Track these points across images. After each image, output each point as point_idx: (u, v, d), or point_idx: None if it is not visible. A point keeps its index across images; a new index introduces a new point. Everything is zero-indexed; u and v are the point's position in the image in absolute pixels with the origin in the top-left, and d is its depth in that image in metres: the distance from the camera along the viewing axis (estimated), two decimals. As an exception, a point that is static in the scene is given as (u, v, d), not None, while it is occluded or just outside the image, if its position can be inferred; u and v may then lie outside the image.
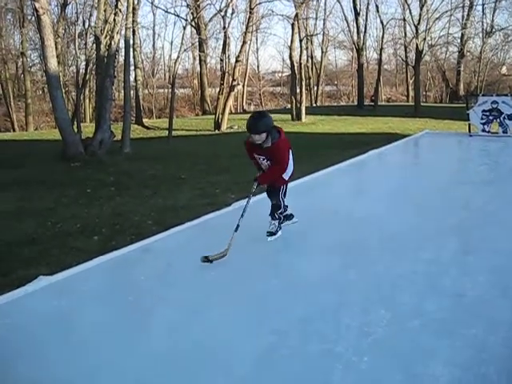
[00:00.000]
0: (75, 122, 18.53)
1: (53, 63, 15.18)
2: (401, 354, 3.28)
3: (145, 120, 29.32)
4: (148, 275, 4.71)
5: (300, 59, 29.73)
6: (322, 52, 48.54)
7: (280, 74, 54.62)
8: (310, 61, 43.87)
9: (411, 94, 43.14)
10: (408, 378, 3.02)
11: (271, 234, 5.43)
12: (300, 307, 3.97)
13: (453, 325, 3.61)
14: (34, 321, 3.84)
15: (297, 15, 28.29)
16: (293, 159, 5.34)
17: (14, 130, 31.72)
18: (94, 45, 19.30)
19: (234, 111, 36.46)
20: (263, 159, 5.20)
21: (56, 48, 17.36)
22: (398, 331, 3.55)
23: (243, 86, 42.18)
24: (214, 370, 3.18)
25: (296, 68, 28.89)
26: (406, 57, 41.88)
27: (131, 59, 24.08)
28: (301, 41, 30.26)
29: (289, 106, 31.41)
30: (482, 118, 13.72)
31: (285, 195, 5.46)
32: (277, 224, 5.50)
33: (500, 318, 3.68)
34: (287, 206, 5.62)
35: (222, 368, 3.21)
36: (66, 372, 3.17)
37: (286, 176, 5.30)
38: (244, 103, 44.55)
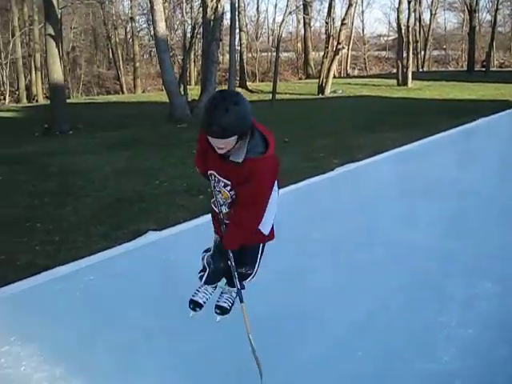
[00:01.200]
0: (181, 85, 18.92)
1: (161, 27, 15.53)
2: (508, 327, 3.19)
3: (248, 83, 29.55)
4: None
5: (408, 22, 28.72)
6: (431, 14, 46.60)
7: (386, 38, 53.17)
8: (417, 24, 42.30)
9: (527, 58, 40.74)
10: (516, 352, 2.94)
11: (223, 311, 3.17)
12: (404, 276, 3.93)
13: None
14: (145, 272, 4.03)
15: (406, -24, 27.31)
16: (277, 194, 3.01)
17: (122, 93, 33.00)
18: (201, 8, 19.50)
19: (337, 75, 35.99)
20: (224, 185, 2.81)
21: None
22: (504, 305, 3.45)
23: (347, 50, 41.42)
24: (312, 332, 3.23)
25: (403, 31, 27.98)
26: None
27: (236, 23, 24.20)
28: (409, 3, 29.16)
29: (394, 70, 30.60)
30: None
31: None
32: (233, 296, 3.15)
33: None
34: None
35: (320, 330, 3.25)
36: (175, 321, 3.30)
37: (265, 229, 2.95)
38: (348, 67, 43.73)
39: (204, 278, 3.08)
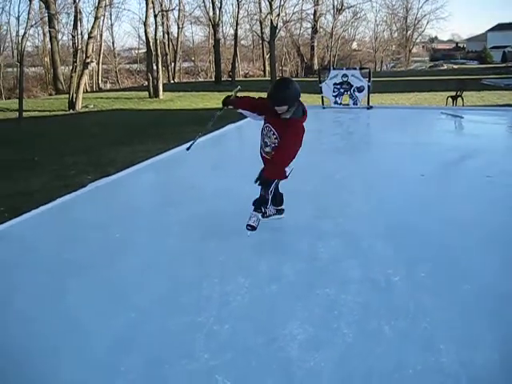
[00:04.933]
0: None
1: None
2: (262, 318, 3.40)
3: (-8, 101, 27.64)
4: (2, 263, 4.48)
5: (155, 35, 29.29)
6: (179, 28, 48.11)
7: (137, 51, 53.55)
8: (166, 37, 43.40)
9: (268, 68, 44.01)
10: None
11: (252, 228, 4.59)
12: (165, 283, 3.97)
13: (307, 286, 3.80)
14: None
15: (151, -11, 27.76)
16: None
17: None
18: None
19: (89, 90, 35.34)
20: (272, 133, 4.37)
21: None
22: (257, 296, 3.67)
23: (98, 64, 40.88)
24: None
25: (152, 44, 28.42)
26: (262, 32, 42.68)
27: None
28: (156, 16, 29.79)
29: (146, 83, 30.93)
30: (333, 91, 14.31)
31: (273, 193, 4.63)
32: (259, 217, 4.67)
33: (350, 276, 3.93)
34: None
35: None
36: None
37: (288, 169, 4.47)
38: (100, 81, 43.10)
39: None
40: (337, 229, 4.93)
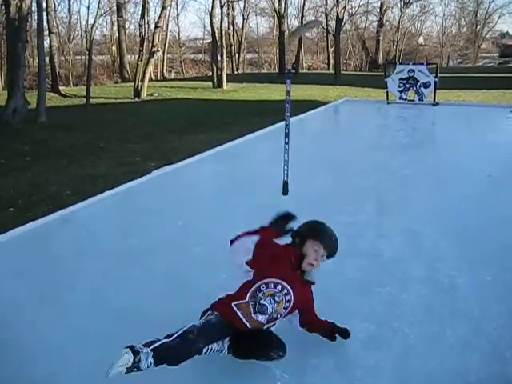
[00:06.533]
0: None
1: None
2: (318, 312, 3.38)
3: (61, 88, 28.24)
4: (67, 246, 4.60)
5: (221, 26, 29.42)
6: (244, 19, 48.15)
7: (201, 41, 53.96)
8: (231, 28, 43.58)
9: (332, 62, 43.62)
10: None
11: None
12: (223, 270, 3.98)
13: (369, 284, 3.75)
14: None
15: (217, -20, 27.90)
16: None
17: None
18: (3, 7, 18.32)
19: (154, 78, 35.81)
20: (286, 293, 2.84)
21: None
22: (318, 290, 3.64)
23: (163, 53, 41.39)
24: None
25: (217, 35, 28.57)
26: (327, 25, 42.19)
27: (45, 23, 23.12)
28: (222, 7, 29.90)
29: (210, 73, 31.14)
30: (399, 86, 14.11)
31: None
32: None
33: (412, 275, 3.86)
34: None
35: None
36: None
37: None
38: (164, 70, 43.65)
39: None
40: (400, 226, 4.86)
